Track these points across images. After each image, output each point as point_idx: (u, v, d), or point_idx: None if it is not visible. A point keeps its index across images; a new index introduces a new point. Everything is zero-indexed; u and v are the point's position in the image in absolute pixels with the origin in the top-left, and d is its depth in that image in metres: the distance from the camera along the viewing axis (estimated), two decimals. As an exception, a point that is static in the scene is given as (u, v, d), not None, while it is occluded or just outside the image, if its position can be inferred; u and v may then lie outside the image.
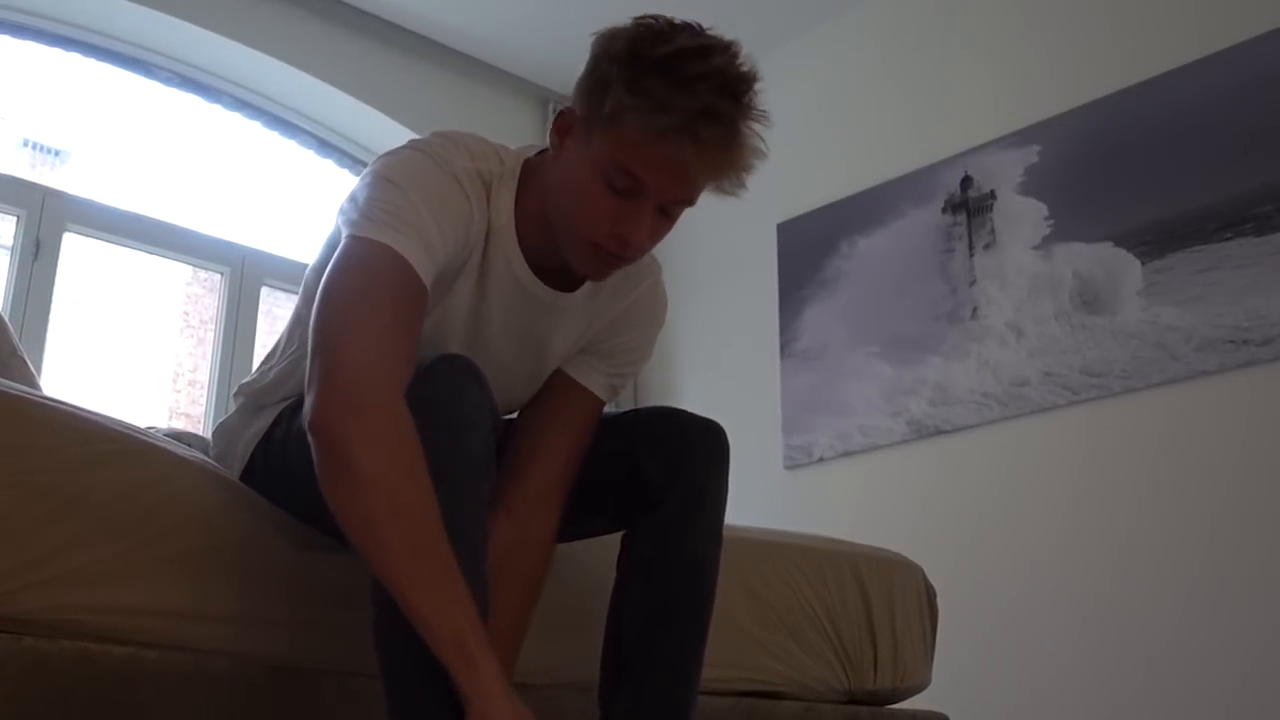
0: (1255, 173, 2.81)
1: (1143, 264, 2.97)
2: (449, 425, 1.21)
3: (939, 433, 3.29)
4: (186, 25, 3.62)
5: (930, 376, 3.33)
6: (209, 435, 1.66)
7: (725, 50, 1.27)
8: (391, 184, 1.28)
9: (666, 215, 1.33)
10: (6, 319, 1.85)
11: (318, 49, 3.86)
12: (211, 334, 3.81)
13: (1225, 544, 2.70)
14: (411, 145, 1.35)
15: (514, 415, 1.53)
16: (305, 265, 1.43)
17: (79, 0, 3.53)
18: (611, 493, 1.47)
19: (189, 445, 1.50)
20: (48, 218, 3.38)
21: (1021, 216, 3.24)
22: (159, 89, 3.83)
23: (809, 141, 3.74)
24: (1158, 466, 2.85)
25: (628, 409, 1.57)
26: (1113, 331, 2.99)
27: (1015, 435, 3.13)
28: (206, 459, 1.43)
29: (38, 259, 3.32)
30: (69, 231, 3.43)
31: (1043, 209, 3.20)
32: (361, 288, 1.22)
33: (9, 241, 3.35)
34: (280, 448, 1.38)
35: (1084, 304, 3.07)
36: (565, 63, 4.14)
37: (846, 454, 3.49)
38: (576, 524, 1.51)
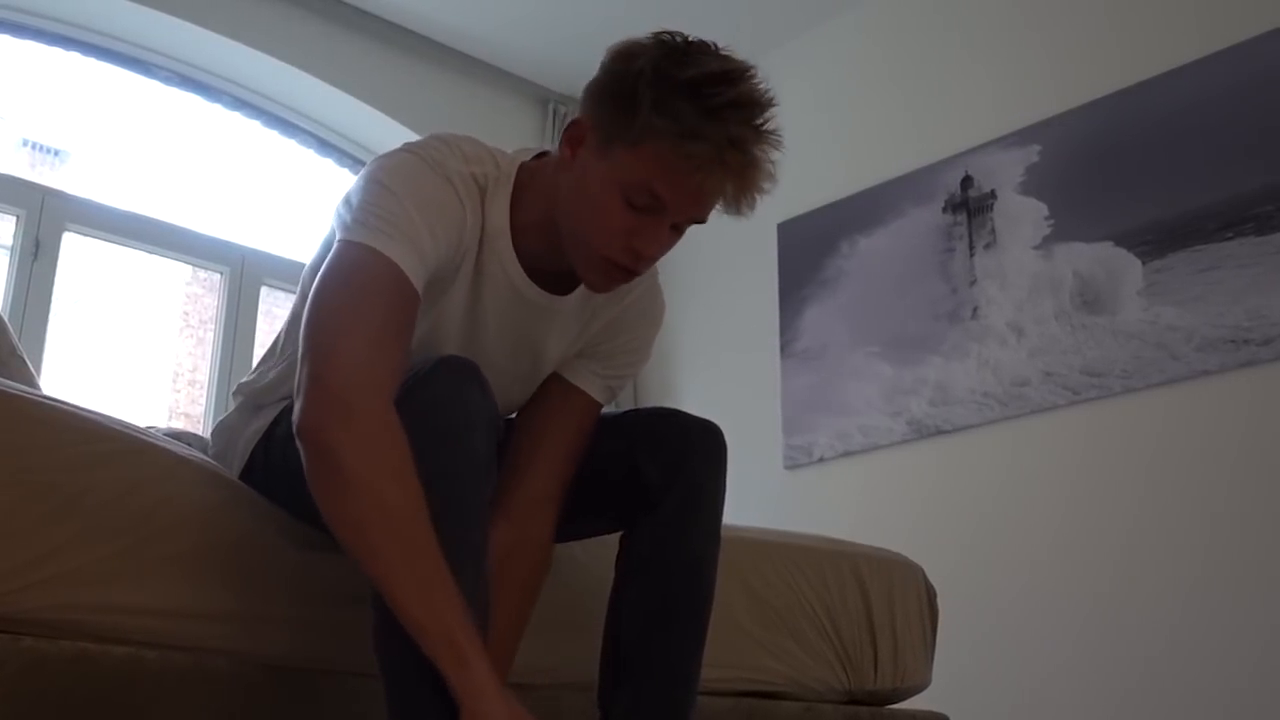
0: (1256, 172, 2.81)
1: (1143, 264, 2.97)
2: (450, 426, 1.21)
3: (939, 433, 3.29)
4: (186, 25, 3.62)
5: (931, 376, 3.33)
6: (208, 435, 1.66)
7: (746, 74, 1.29)
8: (385, 188, 1.28)
9: (677, 230, 1.35)
10: (6, 319, 1.85)
11: (317, 49, 3.86)
12: (211, 334, 3.81)
13: (1225, 544, 2.70)
14: (406, 148, 1.35)
15: (512, 417, 1.53)
16: (305, 265, 1.43)
17: (78, 0, 3.53)
18: (610, 493, 1.47)
19: (188, 445, 1.50)
20: (47, 217, 3.38)
21: (1022, 216, 3.24)
22: (159, 88, 3.83)
23: (809, 141, 3.74)
24: (1158, 466, 2.85)
25: (627, 410, 1.57)
26: (1113, 331, 2.99)
27: (1016, 435, 3.13)
28: (206, 458, 1.43)
29: (37, 259, 3.32)
30: (68, 231, 3.43)
31: (1043, 209, 3.20)
32: (352, 293, 1.23)
33: (8, 241, 3.35)
34: (280, 446, 1.38)
35: (1084, 304, 3.06)
36: (565, 63, 4.16)
37: (847, 454, 3.49)
38: (575, 525, 1.52)
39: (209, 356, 3.77)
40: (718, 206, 1.33)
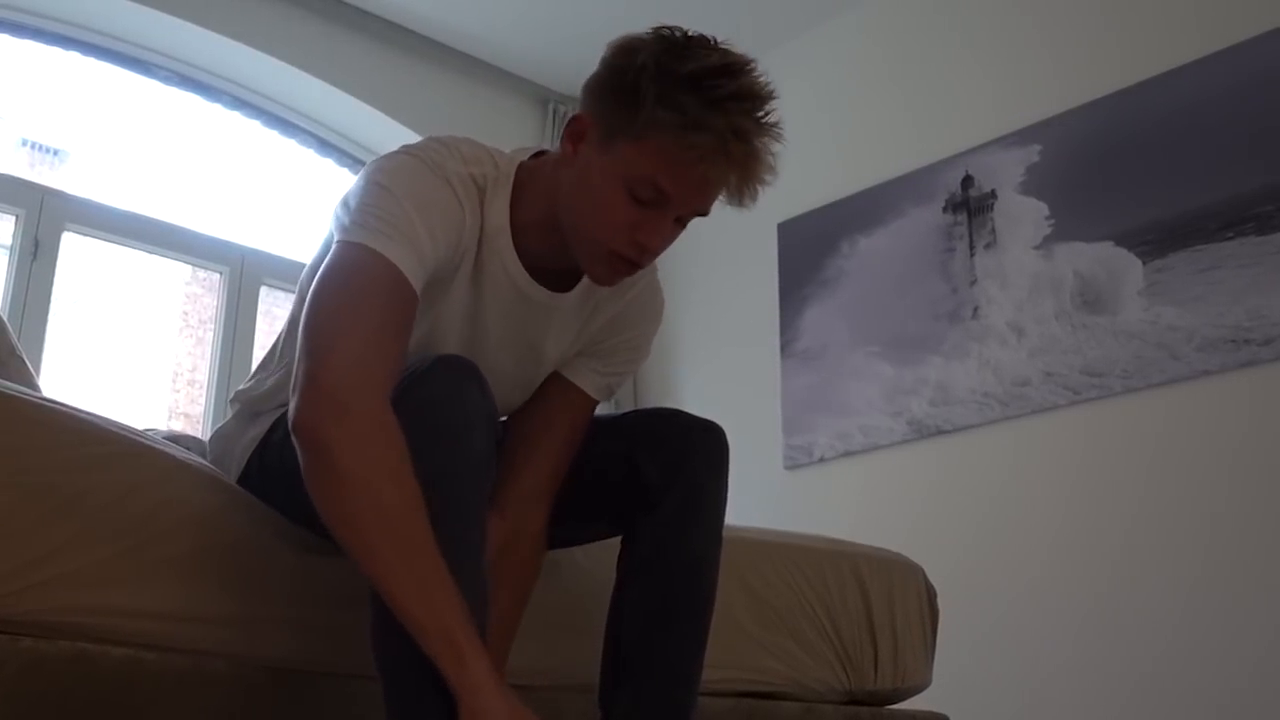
0: (1256, 172, 2.81)
1: (1144, 263, 2.97)
2: (449, 425, 1.21)
3: (940, 433, 3.29)
4: (186, 24, 3.61)
5: (931, 376, 3.33)
6: (208, 436, 1.65)
7: (747, 67, 1.30)
8: (383, 189, 1.29)
9: (680, 223, 1.36)
10: (5, 319, 1.85)
11: (317, 48, 3.85)
12: (211, 334, 3.81)
13: (1226, 544, 2.69)
14: (405, 150, 1.36)
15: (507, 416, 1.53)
16: (304, 265, 1.43)
17: (78, 0, 3.52)
18: (611, 494, 1.47)
19: (187, 448, 1.49)
20: (46, 217, 3.37)
21: (1022, 216, 3.24)
22: (158, 88, 3.83)
23: (809, 141, 3.74)
24: (1158, 466, 2.85)
25: (628, 410, 1.58)
26: (1114, 331, 2.98)
27: (1016, 435, 3.13)
28: (204, 462, 1.43)
29: (36, 259, 3.32)
30: (68, 231, 3.43)
31: (1044, 208, 3.20)
32: (350, 293, 1.23)
33: (8, 241, 3.35)
34: (277, 451, 1.38)
35: (1085, 304, 3.06)
36: (565, 62, 4.16)
37: (847, 454, 3.49)
38: (577, 528, 1.52)
39: (208, 356, 3.76)
40: (720, 198, 1.34)
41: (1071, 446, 3.02)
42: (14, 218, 3.36)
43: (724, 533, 1.47)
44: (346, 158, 4.15)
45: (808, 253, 3.75)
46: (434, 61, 4.11)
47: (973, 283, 3.31)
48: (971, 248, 3.34)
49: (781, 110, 1.31)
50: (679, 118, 1.25)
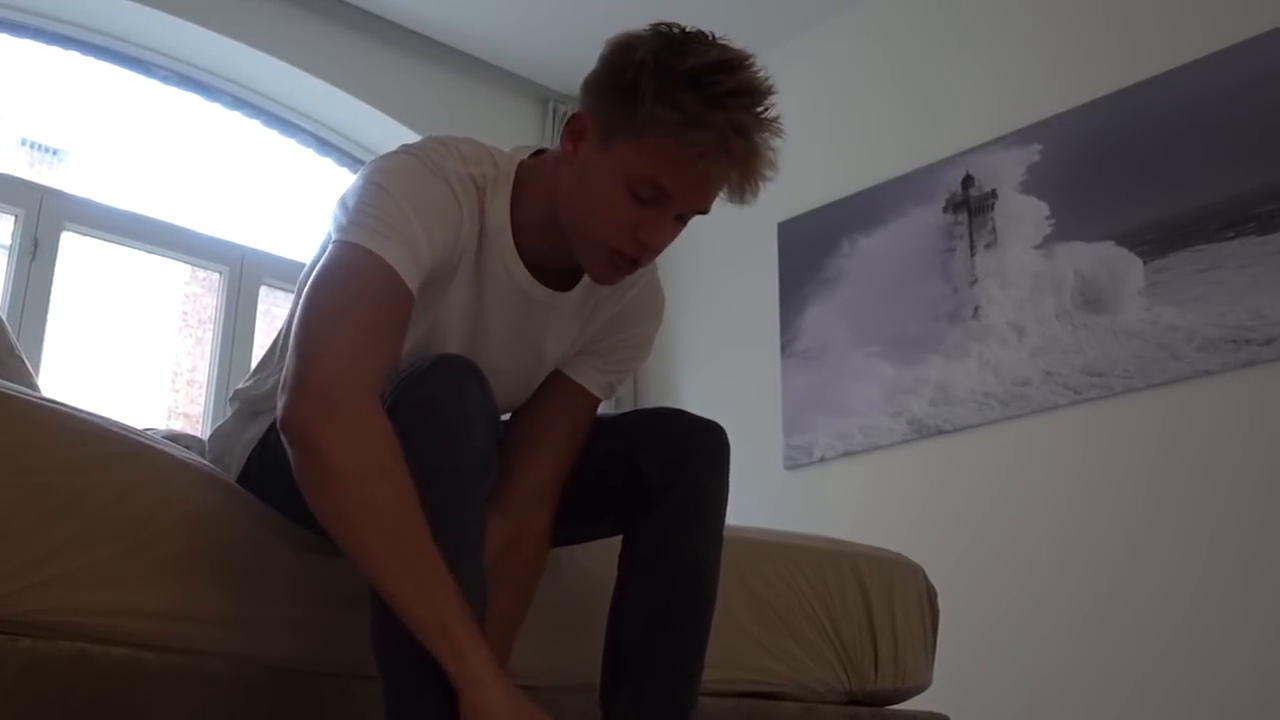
0: (1257, 172, 2.81)
1: (1144, 263, 2.97)
2: (450, 423, 1.21)
3: (940, 433, 3.28)
4: (185, 24, 3.61)
5: (931, 376, 3.33)
6: (207, 436, 1.65)
7: (746, 63, 1.30)
8: (381, 189, 1.29)
9: (681, 220, 1.35)
10: (4, 319, 1.85)
11: (317, 48, 3.85)
12: (210, 333, 3.80)
13: (1227, 544, 2.69)
14: (404, 149, 1.36)
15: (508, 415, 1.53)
16: (304, 265, 1.43)
17: (78, -1, 3.53)
18: (612, 494, 1.47)
19: (186, 447, 1.49)
20: (46, 217, 3.37)
21: (1023, 215, 3.24)
22: (158, 88, 3.83)
23: (810, 140, 3.74)
24: (1159, 466, 2.84)
25: (628, 410, 1.57)
26: (1114, 331, 2.98)
27: (1016, 435, 3.13)
28: (204, 461, 1.43)
29: (36, 258, 3.31)
30: (67, 231, 3.42)
31: (1044, 208, 3.20)
32: (342, 292, 1.23)
33: (7, 241, 3.34)
34: (275, 450, 1.38)
35: (1085, 303, 3.06)
36: (565, 62, 4.15)
37: (847, 454, 3.48)
38: (577, 527, 1.52)
39: (208, 356, 3.76)
40: (721, 196, 1.33)
41: (1072, 446, 3.01)
42: (13, 217, 3.35)
43: (724, 533, 1.46)
44: (346, 157, 4.14)
45: (808, 252, 3.75)
46: (434, 61, 4.11)
47: (973, 282, 3.31)
48: (972, 247, 3.34)
49: (781, 109, 1.31)
50: (678, 115, 1.25)
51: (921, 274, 3.43)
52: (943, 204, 3.44)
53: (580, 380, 1.51)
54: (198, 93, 3.88)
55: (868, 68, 3.81)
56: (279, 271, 3.79)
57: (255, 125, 4.01)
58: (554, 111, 4.31)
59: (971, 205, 3.37)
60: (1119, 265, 3.01)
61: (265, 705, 1.31)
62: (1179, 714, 2.67)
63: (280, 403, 1.18)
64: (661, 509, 1.42)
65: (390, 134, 3.93)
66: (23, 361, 1.72)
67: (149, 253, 3.71)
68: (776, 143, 1.29)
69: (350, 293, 1.23)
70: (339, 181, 4.18)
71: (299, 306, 1.24)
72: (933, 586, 2.13)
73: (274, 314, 3.76)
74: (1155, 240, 2.96)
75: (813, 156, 3.72)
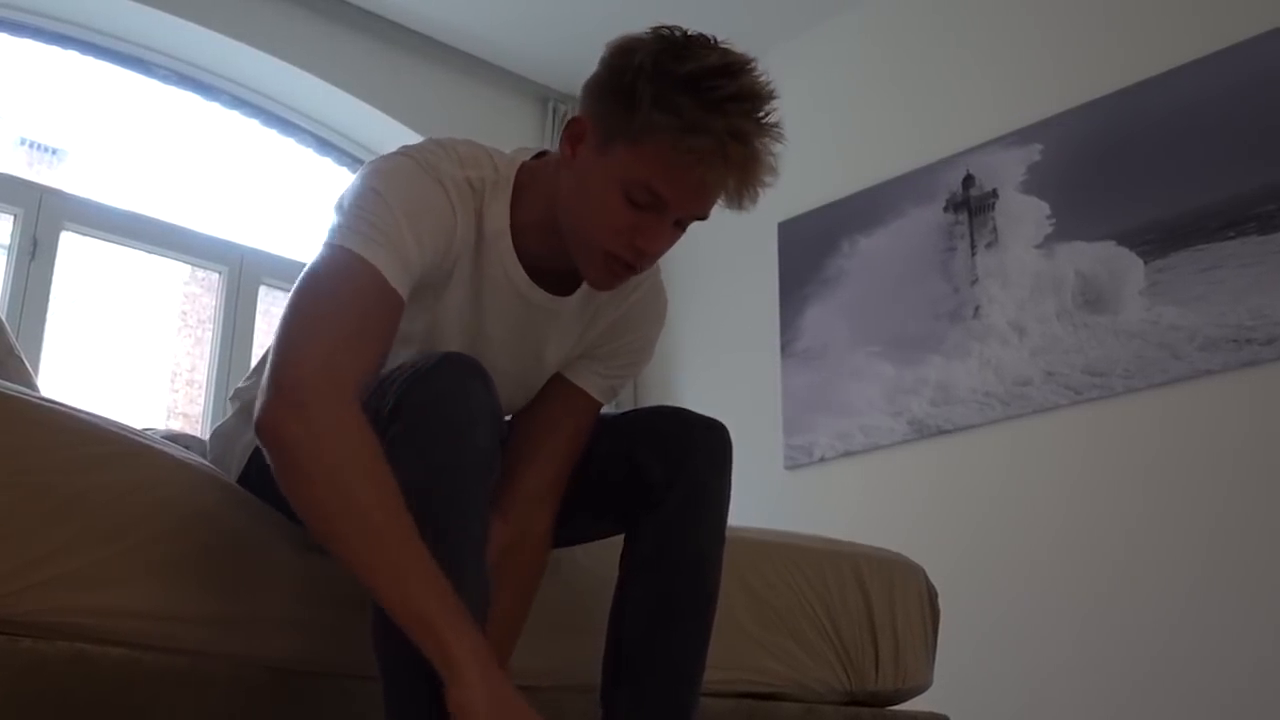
0: (1258, 171, 2.80)
1: (1145, 263, 2.96)
2: (453, 422, 1.21)
3: (940, 432, 3.28)
4: (184, 23, 3.61)
5: (932, 376, 3.32)
6: (207, 435, 1.65)
7: (747, 67, 1.28)
8: (374, 192, 1.28)
9: (680, 226, 1.35)
10: (4, 319, 1.84)
11: (317, 47, 3.85)
12: (210, 333, 3.80)
13: (1228, 544, 2.69)
14: (402, 151, 1.35)
15: (509, 418, 1.53)
16: (304, 265, 1.42)
17: (77, -2, 3.52)
18: (613, 493, 1.47)
19: (186, 447, 1.49)
20: (45, 217, 3.37)
21: (1023, 215, 3.24)
22: (157, 87, 3.83)
23: (810, 140, 3.73)
24: (1160, 466, 2.84)
25: (630, 409, 1.57)
26: (1115, 331, 2.98)
27: (1017, 435, 3.12)
28: (203, 461, 1.43)
29: (35, 258, 3.31)
30: (66, 230, 3.42)
31: (1045, 208, 3.20)
32: (325, 296, 1.23)
33: (6, 240, 3.34)
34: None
35: (1086, 303, 3.06)
36: (566, 62, 4.15)
37: (847, 454, 3.48)
38: (579, 527, 1.51)
39: (207, 356, 3.76)
40: (720, 202, 1.32)
41: (1073, 446, 3.01)
42: (12, 217, 3.35)
43: (725, 532, 1.46)
44: (346, 157, 4.14)
45: (808, 252, 3.75)
46: (434, 60, 4.10)
47: (974, 282, 3.31)
48: (972, 247, 3.34)
49: (781, 110, 1.30)
50: (676, 120, 1.24)
51: (922, 274, 3.43)
52: (943, 204, 3.44)
53: (582, 384, 1.51)
54: (197, 92, 3.88)
55: (868, 67, 3.81)
56: (278, 271, 3.78)
57: (255, 125, 4.01)
58: (554, 111, 4.30)
59: (972, 205, 3.37)
60: (1120, 265, 3.01)
61: (265, 705, 1.31)
62: (1179, 714, 2.67)
63: (257, 404, 1.18)
64: (663, 507, 1.41)
65: (390, 133, 3.93)
66: (22, 361, 1.72)
67: (148, 252, 3.71)
68: (777, 148, 1.28)
69: (333, 296, 1.23)
70: (338, 181, 4.17)
71: (284, 309, 1.24)
72: (933, 586, 2.12)
73: (274, 314, 3.75)
74: (1156, 240, 2.95)
75: (813, 156, 3.71)
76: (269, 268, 3.79)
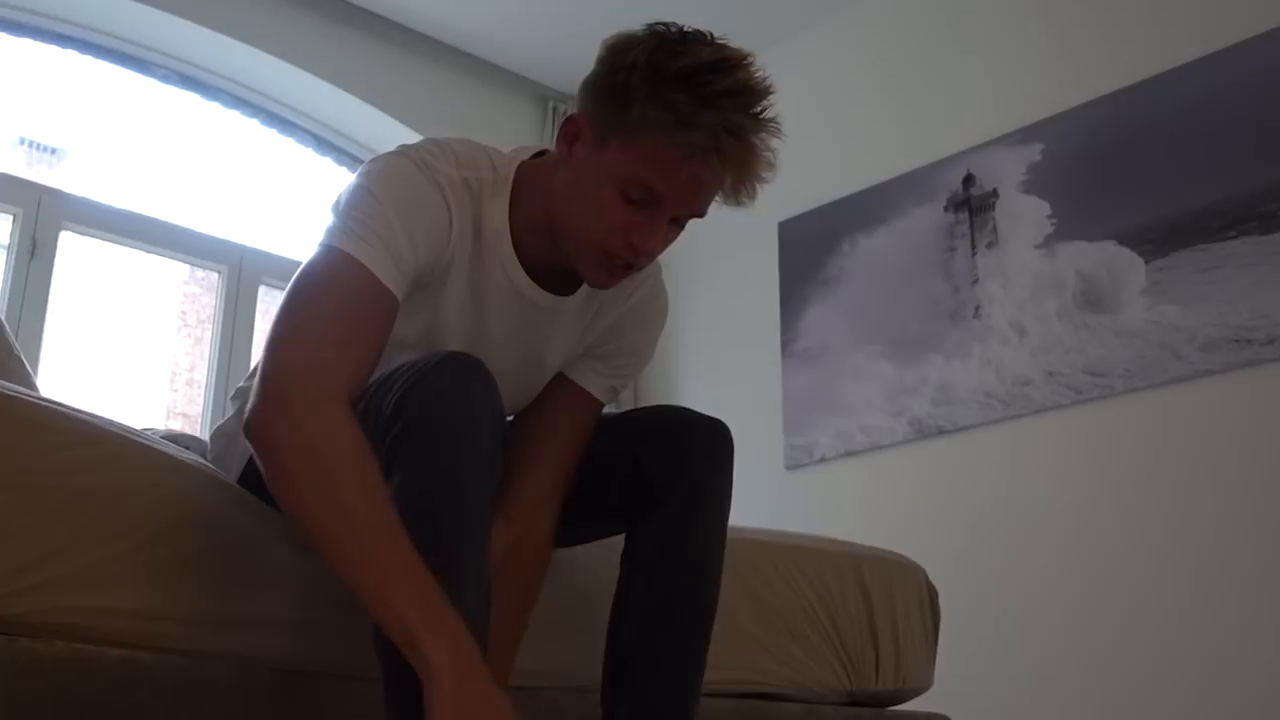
0: (1259, 171, 2.80)
1: (1146, 263, 2.96)
2: (455, 422, 1.20)
3: (941, 432, 3.28)
4: (184, 22, 3.61)
5: (932, 376, 3.32)
6: (207, 435, 1.65)
7: (743, 62, 1.27)
8: (366, 192, 1.28)
9: (677, 223, 1.34)
10: (3, 319, 1.84)
11: (316, 46, 3.85)
12: (209, 333, 3.80)
13: (1229, 544, 2.69)
14: (399, 150, 1.35)
15: (511, 418, 1.52)
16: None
17: (76, -3, 3.52)
18: (614, 492, 1.46)
19: (186, 447, 1.49)
20: (44, 216, 3.36)
21: (1024, 215, 3.23)
22: (156, 86, 3.83)
23: (810, 139, 3.73)
24: (1161, 466, 2.84)
25: (631, 409, 1.56)
26: (1116, 331, 2.98)
27: (1018, 435, 3.12)
28: (203, 461, 1.42)
29: (34, 258, 3.31)
30: (66, 230, 3.42)
31: (1045, 207, 3.19)
32: (316, 296, 1.23)
33: (5, 240, 3.34)
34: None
35: (1087, 303, 3.05)
36: (565, 61, 4.15)
37: (848, 454, 3.48)
38: (580, 527, 1.51)
39: (207, 356, 3.75)
40: (718, 199, 1.31)
41: (1074, 446, 3.01)
42: (11, 217, 3.35)
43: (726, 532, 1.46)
44: (345, 156, 4.14)
45: (809, 252, 3.75)
46: (433, 59, 4.10)
47: (974, 282, 3.30)
48: (973, 247, 3.33)
49: (782, 109, 1.29)
50: (669, 116, 1.23)
51: (923, 273, 3.42)
52: (944, 203, 3.43)
53: (583, 384, 1.50)
54: (196, 91, 3.88)
55: (868, 67, 3.81)
56: (278, 271, 3.78)
57: (254, 124, 4.01)
58: (554, 110, 4.30)
59: (973, 204, 3.36)
60: (1120, 265, 3.00)
61: (264, 706, 1.30)
62: (1180, 714, 2.66)
63: (248, 405, 1.18)
64: (664, 507, 1.41)
65: (389, 133, 3.92)
66: (21, 361, 1.72)
67: (148, 252, 3.71)
68: (775, 143, 1.27)
69: (323, 297, 1.23)
70: (338, 180, 4.17)
71: (277, 309, 1.24)
72: (934, 587, 2.12)
73: (273, 313, 3.75)
74: (1157, 240, 2.95)
75: (813, 156, 3.71)
76: (269, 267, 3.79)
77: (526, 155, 1.42)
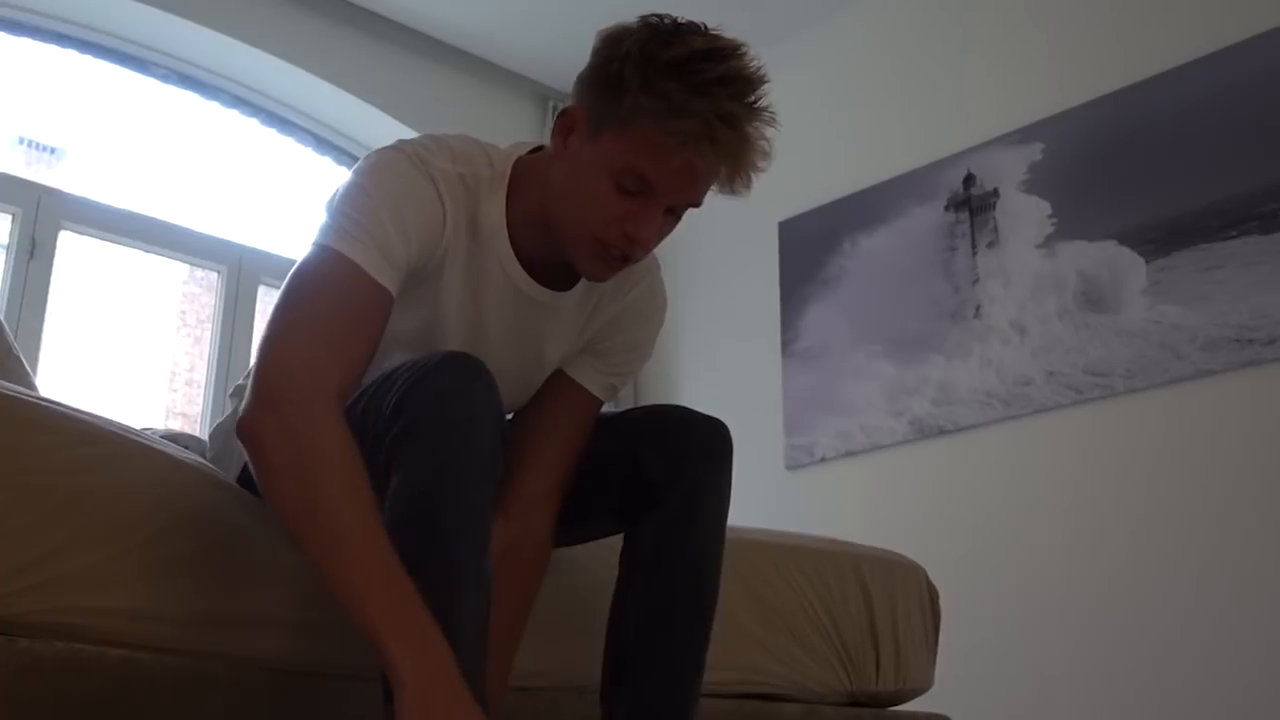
0: (1260, 170, 2.80)
1: (1147, 262, 2.96)
2: (456, 421, 1.20)
3: (942, 432, 3.28)
4: (183, 22, 3.61)
5: (933, 376, 3.32)
6: (206, 435, 1.64)
7: (736, 51, 1.27)
8: (360, 188, 1.29)
9: (673, 214, 1.34)
10: (2, 318, 1.84)
11: (315, 46, 3.85)
12: (209, 333, 3.80)
13: (1230, 544, 2.68)
14: (395, 144, 1.35)
15: (510, 416, 1.52)
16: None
17: (75, -3, 3.52)
18: (613, 492, 1.46)
19: (185, 447, 1.48)
20: (43, 216, 3.36)
21: (1025, 214, 3.23)
22: (155, 86, 3.82)
23: (811, 139, 3.73)
24: (1162, 466, 2.84)
25: (630, 408, 1.56)
26: (1117, 330, 2.97)
27: (1018, 435, 3.12)
28: (202, 460, 1.42)
29: (33, 258, 3.30)
30: (65, 230, 3.42)
31: (1046, 207, 3.19)
32: (307, 295, 1.23)
33: (4, 240, 3.33)
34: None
35: (1088, 303, 3.05)
36: (564, 59, 4.14)
37: (849, 454, 3.48)
38: (579, 526, 1.51)
39: (206, 356, 3.75)
40: (714, 189, 1.31)
41: (1074, 446, 3.01)
42: (11, 216, 3.34)
43: (726, 532, 1.46)
44: (344, 155, 4.14)
45: (809, 251, 3.74)
46: (433, 58, 4.10)
47: (975, 281, 3.30)
48: (974, 246, 3.33)
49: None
50: (661, 104, 1.23)
51: (923, 273, 3.42)
52: (944, 203, 3.43)
53: (582, 381, 1.50)
54: (195, 91, 3.88)
55: (869, 66, 3.81)
56: (278, 270, 3.77)
57: (253, 123, 4.01)
58: (553, 110, 4.30)
59: (973, 204, 3.36)
60: (1121, 264, 3.00)
61: (263, 706, 1.30)
62: (1181, 714, 2.66)
63: (241, 405, 1.18)
64: (663, 506, 1.40)
65: (389, 131, 3.92)
66: (20, 362, 1.71)
67: (147, 252, 3.71)
68: (770, 132, 1.27)
69: (316, 296, 1.23)
70: (337, 179, 4.16)
71: (271, 309, 1.24)
72: (934, 587, 2.12)
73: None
74: (1158, 239, 2.95)
75: (814, 155, 3.71)
76: (268, 267, 3.79)
77: (523, 151, 1.42)
